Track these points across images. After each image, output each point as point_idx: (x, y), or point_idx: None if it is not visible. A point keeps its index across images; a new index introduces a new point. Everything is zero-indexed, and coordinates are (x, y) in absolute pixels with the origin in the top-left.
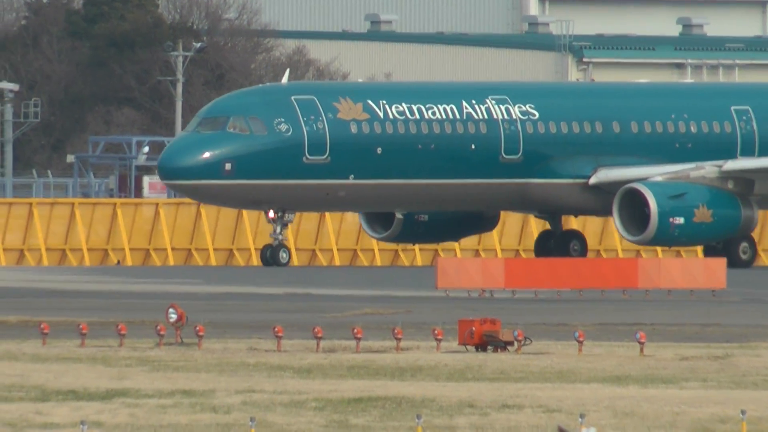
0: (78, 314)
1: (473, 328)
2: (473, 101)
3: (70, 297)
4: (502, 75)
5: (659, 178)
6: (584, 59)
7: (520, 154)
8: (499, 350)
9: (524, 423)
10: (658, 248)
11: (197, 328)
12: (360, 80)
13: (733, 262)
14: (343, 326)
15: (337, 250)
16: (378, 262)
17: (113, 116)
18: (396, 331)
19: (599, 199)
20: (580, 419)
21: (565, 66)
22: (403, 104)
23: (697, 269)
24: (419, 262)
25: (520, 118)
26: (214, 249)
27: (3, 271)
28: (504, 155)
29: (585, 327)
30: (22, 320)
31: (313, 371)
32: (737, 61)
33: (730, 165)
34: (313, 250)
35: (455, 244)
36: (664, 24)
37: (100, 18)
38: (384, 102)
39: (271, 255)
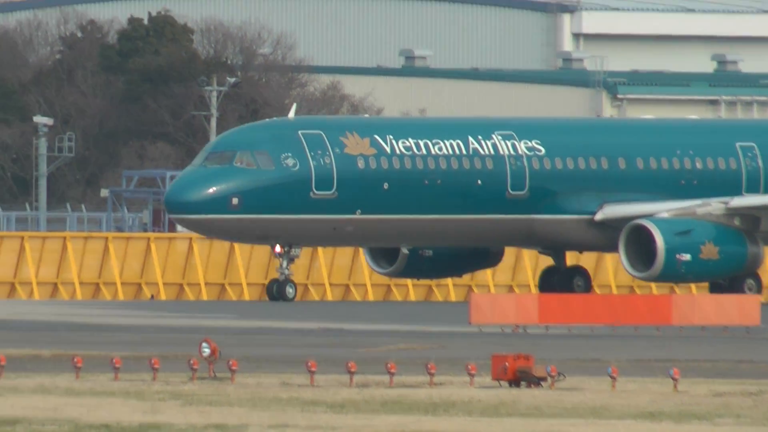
0: (111, 348)
1: (507, 364)
2: (479, 137)
3: (104, 331)
4: (536, 111)
5: (666, 215)
6: (618, 95)
7: (526, 189)
8: (532, 386)
9: None
10: (684, 285)
11: (230, 362)
12: (394, 114)
13: None
14: (376, 361)
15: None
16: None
17: (147, 151)
18: (429, 366)
19: (605, 235)
20: None
21: (600, 102)
22: (410, 139)
23: (731, 306)
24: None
25: (526, 154)
26: (248, 284)
27: (37, 304)
28: (510, 191)
29: (619, 363)
30: (56, 354)
31: (346, 406)
32: None
33: (737, 202)
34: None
35: (489, 280)
36: (698, 60)
37: (135, 53)
38: (391, 137)
39: (277, 290)
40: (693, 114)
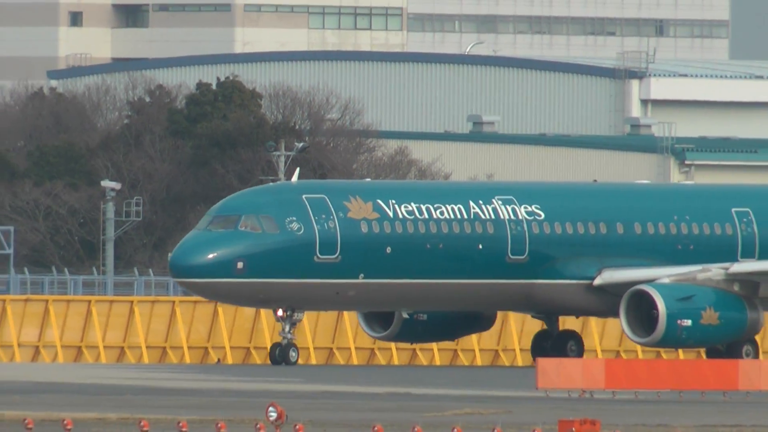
0: (177, 412)
1: (573, 429)
2: (480, 201)
3: (170, 394)
4: (604, 176)
5: (666, 280)
6: (686, 161)
7: (526, 254)
8: None
9: None
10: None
11: (297, 426)
12: (462, 179)
13: None
14: (443, 425)
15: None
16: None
17: None
18: (496, 430)
19: (603, 301)
20: None
21: (667, 168)
22: (412, 204)
23: None
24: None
25: (526, 219)
26: (315, 348)
27: (103, 368)
28: (510, 255)
29: (685, 428)
30: (122, 417)
31: None
32: None
33: (737, 268)
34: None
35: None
36: (767, 127)
37: (203, 118)
38: (393, 201)
39: (280, 354)
40: (762, 181)
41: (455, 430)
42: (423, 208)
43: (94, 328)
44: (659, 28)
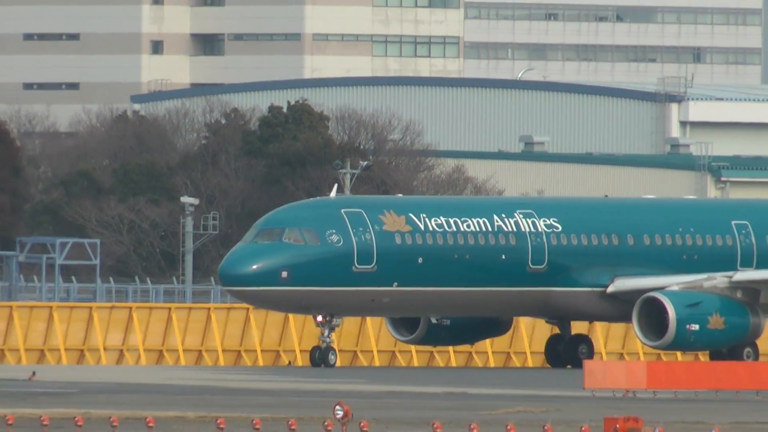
0: (251, 411)
1: (617, 426)
2: (503, 215)
3: (245, 395)
4: (646, 192)
5: (676, 288)
6: (722, 178)
7: (545, 264)
8: None
9: None
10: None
11: (362, 423)
12: (514, 194)
13: None
14: (497, 423)
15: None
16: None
17: None
18: (546, 427)
19: (615, 307)
20: None
21: (704, 184)
22: (441, 217)
23: None
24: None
25: (545, 231)
26: (378, 351)
27: (183, 370)
28: (531, 265)
29: (721, 425)
30: (200, 416)
31: None
32: None
33: (740, 276)
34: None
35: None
36: None
37: (275, 138)
38: (424, 215)
39: (320, 356)
40: None
41: (508, 426)
42: (451, 221)
43: (174, 333)
44: (697, 55)
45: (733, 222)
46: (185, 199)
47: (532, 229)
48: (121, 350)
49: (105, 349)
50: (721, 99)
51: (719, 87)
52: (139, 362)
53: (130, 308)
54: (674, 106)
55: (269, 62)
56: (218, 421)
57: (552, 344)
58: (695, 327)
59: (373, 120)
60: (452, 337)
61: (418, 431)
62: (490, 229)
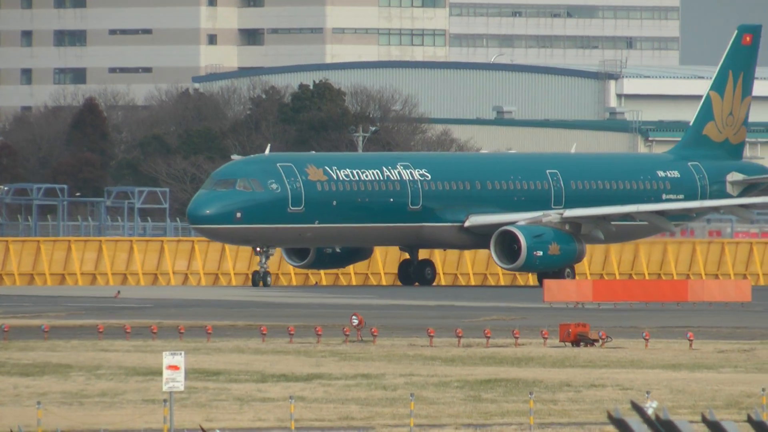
0: (287, 320)
1: (570, 330)
2: (389, 167)
3: (282, 307)
4: (590, 149)
5: (523, 223)
6: (649, 139)
7: (420, 205)
8: (588, 346)
9: (606, 397)
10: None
11: (372, 329)
12: (488, 151)
13: None
14: (477, 328)
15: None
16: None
17: None
18: (514, 332)
19: (470, 238)
20: (646, 395)
21: (636, 143)
22: (348, 169)
23: (730, 288)
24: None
25: (419, 179)
26: (385, 273)
27: (233, 289)
28: (410, 206)
29: (650, 329)
30: (248, 324)
31: (455, 360)
32: None
33: (568, 213)
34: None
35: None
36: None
37: (304, 109)
38: (335, 167)
39: (260, 278)
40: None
41: (486, 331)
42: (354, 172)
43: (227, 260)
44: (629, 43)
45: (547, 171)
46: (235, 157)
47: (410, 178)
48: (186, 274)
49: (173, 273)
50: (648, 77)
51: (647, 68)
52: (200, 283)
53: (193, 241)
54: (612, 83)
55: (299, 50)
56: (261, 329)
57: (404, 267)
58: (540, 253)
59: (379, 95)
60: (333, 262)
61: (417, 335)
62: (381, 178)
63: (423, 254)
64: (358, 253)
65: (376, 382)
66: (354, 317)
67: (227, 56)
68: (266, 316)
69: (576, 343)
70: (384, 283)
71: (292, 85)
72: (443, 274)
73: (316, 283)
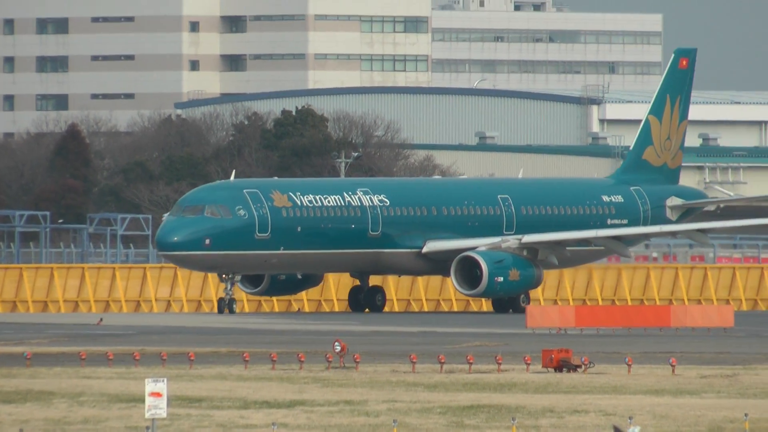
0: (269, 347)
1: (552, 355)
2: (349, 192)
3: (263, 334)
4: (572, 174)
5: (483, 248)
6: None
7: (379, 231)
8: (571, 371)
9: (589, 423)
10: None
11: (355, 356)
12: (471, 176)
13: (516, 309)
14: (460, 354)
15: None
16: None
17: None
18: (497, 357)
19: (428, 264)
20: (629, 420)
21: (618, 168)
22: (310, 195)
23: (713, 313)
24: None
25: (378, 205)
26: (338, 299)
27: (216, 316)
28: (370, 232)
29: (632, 354)
30: (230, 351)
31: (438, 386)
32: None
33: (526, 239)
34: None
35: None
36: (689, 138)
37: (286, 135)
38: (299, 193)
39: (225, 306)
40: (685, 178)
41: (468, 357)
42: (316, 198)
43: (210, 287)
44: (612, 68)
45: (498, 196)
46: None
47: (370, 204)
48: (168, 301)
49: (156, 300)
50: (631, 102)
51: (629, 92)
52: (183, 310)
53: (175, 268)
54: (594, 108)
55: (281, 76)
56: (244, 355)
57: (354, 293)
58: (501, 279)
59: (362, 120)
60: (286, 289)
61: (399, 361)
62: (342, 203)
63: (374, 280)
64: (309, 279)
65: (359, 409)
66: (337, 343)
67: (210, 82)
68: (249, 342)
69: (559, 368)
70: (337, 309)
71: (275, 111)
72: (396, 300)
73: (299, 309)
